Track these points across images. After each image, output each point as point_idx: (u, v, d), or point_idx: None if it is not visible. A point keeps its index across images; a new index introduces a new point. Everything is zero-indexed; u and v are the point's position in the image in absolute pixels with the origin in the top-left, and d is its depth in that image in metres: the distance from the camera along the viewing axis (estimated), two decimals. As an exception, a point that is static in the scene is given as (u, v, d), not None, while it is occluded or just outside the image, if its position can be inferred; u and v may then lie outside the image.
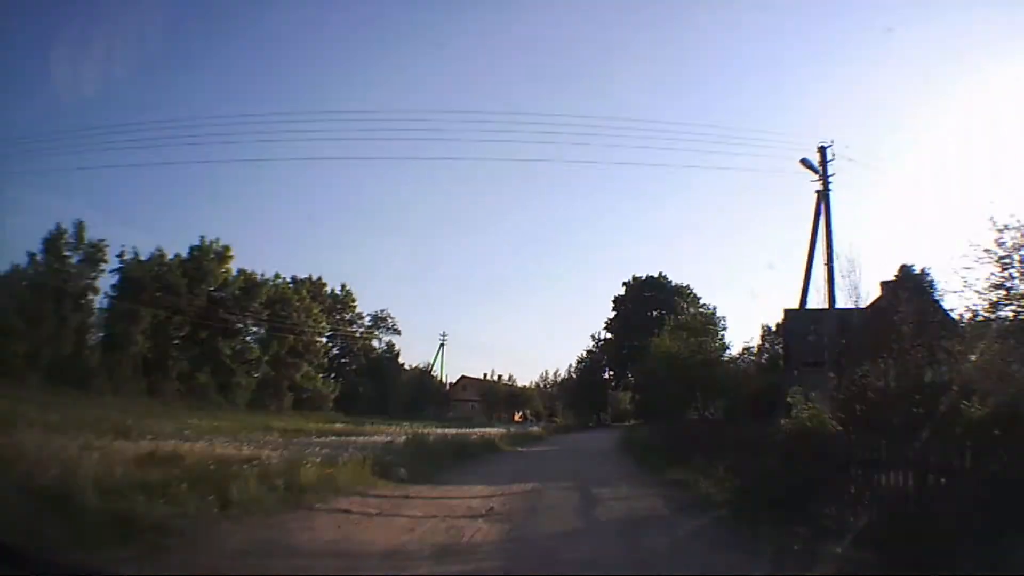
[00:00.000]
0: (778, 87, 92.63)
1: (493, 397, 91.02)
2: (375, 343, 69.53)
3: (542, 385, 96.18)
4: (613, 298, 79.76)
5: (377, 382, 66.71)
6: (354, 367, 63.56)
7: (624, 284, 79.74)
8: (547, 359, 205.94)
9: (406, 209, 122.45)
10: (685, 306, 75.74)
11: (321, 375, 59.71)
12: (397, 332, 70.33)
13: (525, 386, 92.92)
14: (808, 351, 39.82)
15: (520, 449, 29.85)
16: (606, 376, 79.14)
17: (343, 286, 66.77)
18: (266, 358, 56.09)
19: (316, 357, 58.79)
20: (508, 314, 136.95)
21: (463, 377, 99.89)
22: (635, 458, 23.56)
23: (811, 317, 41.50)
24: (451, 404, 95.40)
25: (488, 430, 37.96)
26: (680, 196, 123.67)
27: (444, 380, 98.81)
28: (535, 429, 41.69)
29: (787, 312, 44.73)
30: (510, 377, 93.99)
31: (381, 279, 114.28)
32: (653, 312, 74.47)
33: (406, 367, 76.61)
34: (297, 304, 58.40)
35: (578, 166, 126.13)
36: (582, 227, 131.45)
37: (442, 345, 72.76)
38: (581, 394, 76.00)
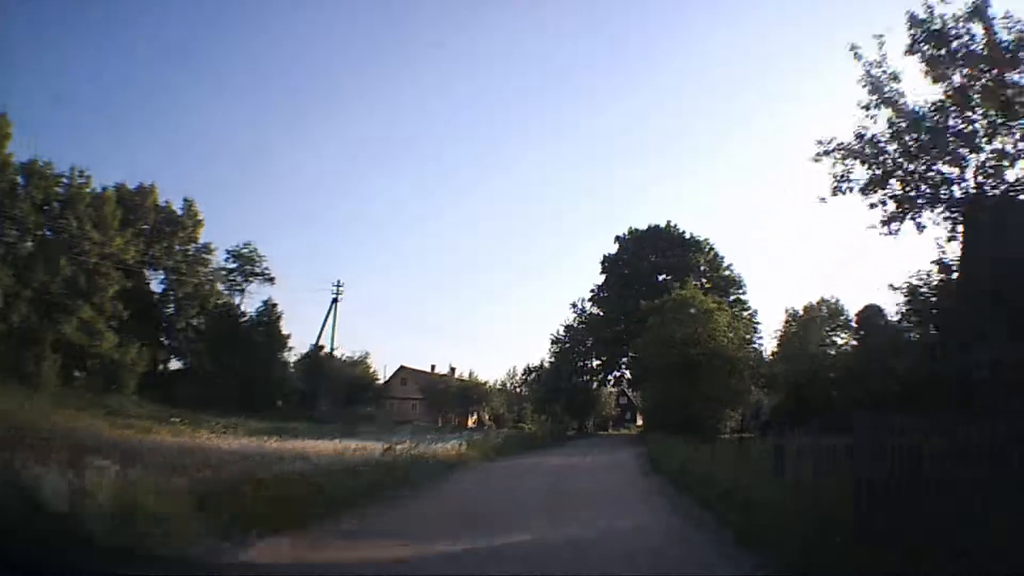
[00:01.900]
0: None
1: (438, 395, 67.92)
2: (236, 297, 45.06)
3: (509, 383, 71.75)
4: (602, 259, 56.98)
5: (241, 358, 42.45)
6: (185, 327, 39.37)
7: (617, 240, 56.99)
8: (520, 355, 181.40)
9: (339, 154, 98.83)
10: (704, 267, 53.65)
11: (115, 333, 34.82)
12: (269, 279, 45.78)
13: (483, 382, 68.78)
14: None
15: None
16: (593, 364, 56.01)
17: (186, 202, 42.19)
18: (28, 292, 31.92)
19: (107, 301, 34.31)
20: (473, 295, 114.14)
21: (402, 368, 76.73)
22: None
23: None
24: (384, 402, 72.54)
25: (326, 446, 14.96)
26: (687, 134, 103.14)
27: (380, 371, 75.97)
28: (448, 446, 18.00)
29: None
30: (471, 374, 69.53)
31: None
32: (660, 276, 51.98)
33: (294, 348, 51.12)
34: (89, 210, 34.23)
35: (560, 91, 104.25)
36: (565, 179, 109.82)
37: (335, 300, 48.24)
38: (556, 390, 52.56)
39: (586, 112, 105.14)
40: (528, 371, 56.54)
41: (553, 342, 54.22)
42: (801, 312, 41.93)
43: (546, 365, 54.99)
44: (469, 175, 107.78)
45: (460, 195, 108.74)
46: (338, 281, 48.24)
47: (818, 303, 40.70)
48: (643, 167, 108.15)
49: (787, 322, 41.48)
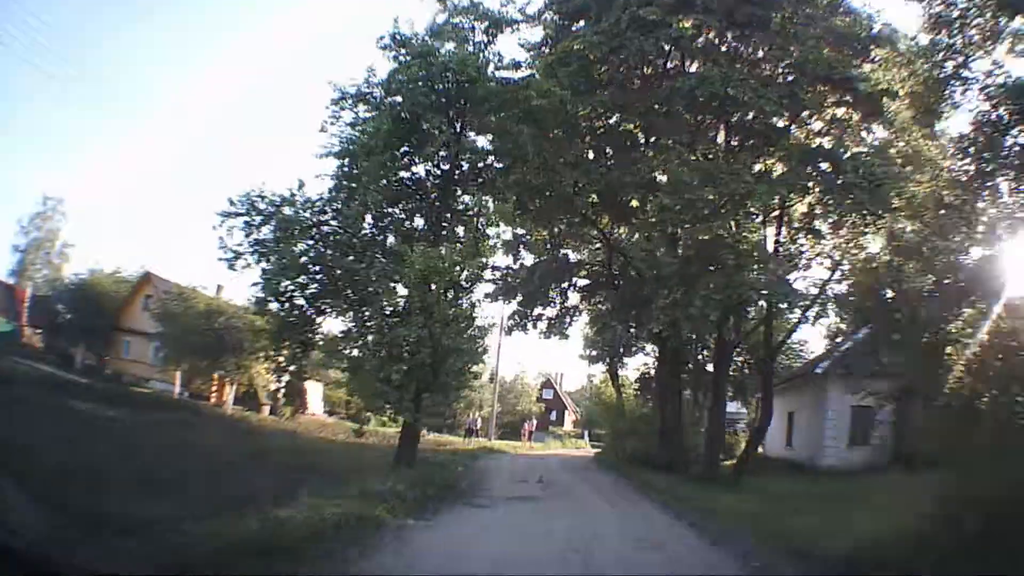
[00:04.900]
0: None
1: (178, 327, 31.78)
2: None
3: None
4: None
5: None
6: None
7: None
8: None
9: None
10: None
11: None
12: None
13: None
14: None
15: None
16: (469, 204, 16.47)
17: None
18: None
19: None
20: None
21: (149, 278, 40.33)
22: None
23: None
24: (112, 337, 38.77)
25: None
26: None
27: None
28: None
29: None
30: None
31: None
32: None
33: None
34: None
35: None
36: None
37: None
38: (329, 287, 14.98)
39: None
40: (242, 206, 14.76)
41: (342, 99, 15.67)
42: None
43: (304, 195, 15.13)
44: None
45: None
46: None
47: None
48: None
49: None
